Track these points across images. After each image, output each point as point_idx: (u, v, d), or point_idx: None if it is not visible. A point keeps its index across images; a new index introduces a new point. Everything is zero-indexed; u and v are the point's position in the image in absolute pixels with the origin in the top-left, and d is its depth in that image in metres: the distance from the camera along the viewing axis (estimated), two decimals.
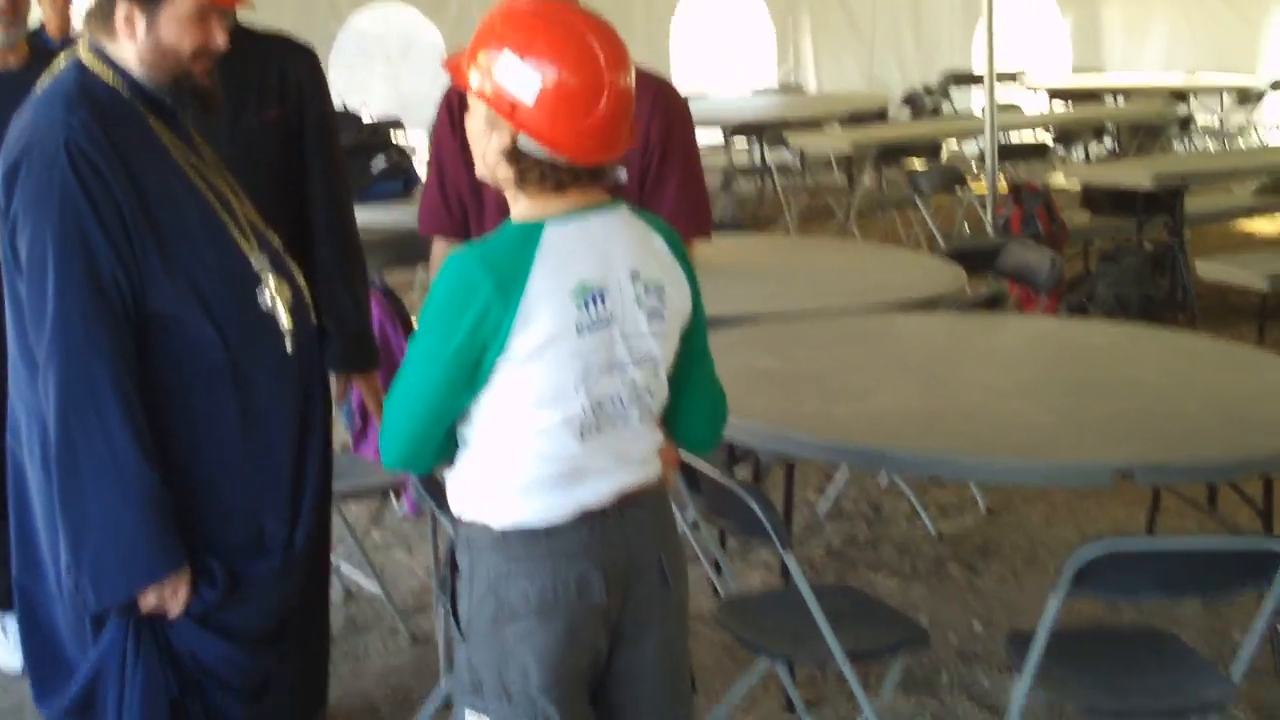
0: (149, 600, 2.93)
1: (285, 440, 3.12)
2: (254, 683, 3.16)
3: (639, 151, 3.45)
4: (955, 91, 14.66)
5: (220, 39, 3.05)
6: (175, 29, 3.00)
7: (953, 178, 9.86)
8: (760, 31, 15.06)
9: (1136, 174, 8.95)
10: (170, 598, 2.95)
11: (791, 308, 5.31)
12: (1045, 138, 11.72)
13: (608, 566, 2.73)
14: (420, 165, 7.66)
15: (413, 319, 5.81)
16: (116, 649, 2.96)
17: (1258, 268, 7.93)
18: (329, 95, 4.13)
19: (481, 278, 2.58)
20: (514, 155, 2.63)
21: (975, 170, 11.53)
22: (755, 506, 3.53)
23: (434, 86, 3.47)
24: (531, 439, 2.66)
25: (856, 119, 11.91)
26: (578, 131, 2.60)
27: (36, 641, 3.16)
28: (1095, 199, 9.43)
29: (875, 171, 11.21)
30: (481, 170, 2.74)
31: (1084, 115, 12.61)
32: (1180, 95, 13.77)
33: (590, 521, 2.72)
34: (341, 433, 5.26)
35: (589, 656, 2.75)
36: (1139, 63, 15.95)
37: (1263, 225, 11.49)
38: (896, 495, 6.25)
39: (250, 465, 3.07)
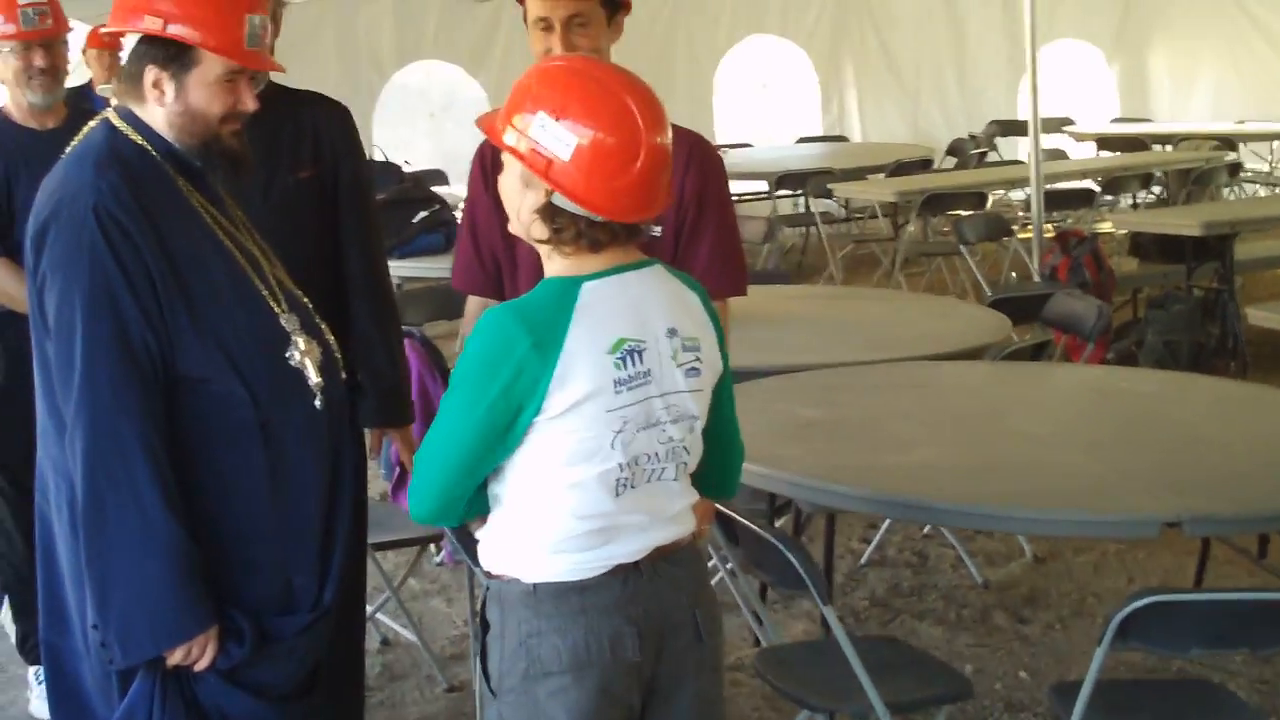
0: (176, 657, 2.90)
1: (314, 497, 3.09)
2: None
3: (673, 207, 3.44)
4: (1001, 140, 14.60)
5: (249, 101, 3.04)
6: (204, 93, 2.99)
7: (998, 226, 9.82)
8: (804, 81, 15.05)
9: (1185, 221, 8.87)
10: (198, 655, 2.91)
11: (835, 358, 5.28)
12: (1092, 185, 11.64)
13: (641, 622, 2.69)
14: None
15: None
16: (143, 704, 2.92)
17: None
18: (363, 152, 4.14)
19: (519, 336, 2.56)
20: (549, 213, 2.62)
21: (1021, 218, 11.46)
22: (794, 560, 3.49)
23: (476, 141, 3.46)
24: (565, 495, 2.63)
25: (901, 168, 11.87)
26: (613, 190, 2.58)
27: (64, 698, 3.13)
28: (1144, 246, 9.37)
29: (920, 220, 11.17)
30: (516, 227, 2.73)
31: (1131, 162, 12.53)
32: (1228, 143, 13.68)
33: (623, 577, 2.68)
34: (380, 483, 5.25)
35: (622, 713, 2.71)
36: (1186, 112, 15.84)
37: None
38: (942, 542, 6.20)
39: (279, 522, 3.04)
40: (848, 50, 14.88)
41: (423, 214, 7.73)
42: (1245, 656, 4.94)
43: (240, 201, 3.30)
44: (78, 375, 2.87)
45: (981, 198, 10.63)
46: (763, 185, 12.31)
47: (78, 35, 5.20)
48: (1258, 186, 14.13)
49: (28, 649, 4.88)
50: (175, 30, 2.94)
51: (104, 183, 2.93)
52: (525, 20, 3.54)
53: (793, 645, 4.75)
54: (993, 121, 14.73)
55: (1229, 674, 4.74)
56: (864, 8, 14.77)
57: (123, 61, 3.03)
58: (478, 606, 2.86)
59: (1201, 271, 9.00)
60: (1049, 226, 9.79)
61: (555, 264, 2.69)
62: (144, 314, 2.88)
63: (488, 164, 3.58)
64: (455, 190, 10.29)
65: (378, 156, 10.11)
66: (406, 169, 9.70)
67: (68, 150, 3.11)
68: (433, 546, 5.94)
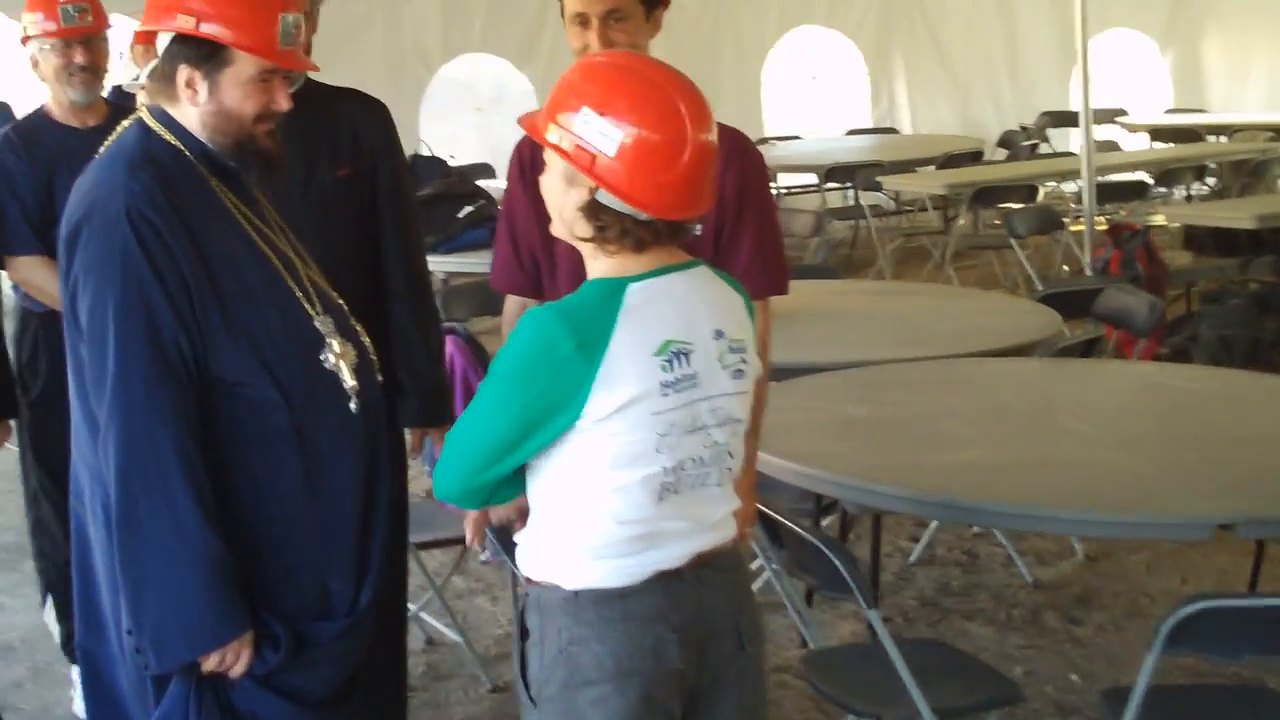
0: (211, 662, 2.88)
1: (350, 500, 3.05)
2: None
3: (714, 205, 3.39)
4: (1053, 132, 14.48)
5: (284, 100, 3.00)
6: (237, 92, 2.96)
7: (1049, 219, 9.72)
8: (853, 73, 14.97)
9: (1240, 213, 8.77)
10: (233, 660, 2.88)
11: (882, 355, 5.24)
12: (1145, 177, 11.52)
13: (683, 630, 2.66)
14: None
15: None
16: (179, 710, 2.89)
17: None
18: (402, 150, 4.12)
19: (562, 337, 2.52)
20: (593, 211, 2.58)
21: (1073, 211, 11.36)
22: (839, 563, 3.44)
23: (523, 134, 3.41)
24: (608, 500, 2.59)
25: (951, 161, 11.79)
26: (659, 186, 2.54)
27: (100, 703, 3.11)
28: (1197, 239, 9.27)
29: (971, 213, 11.08)
30: (559, 228, 2.69)
31: (1185, 154, 12.40)
32: None
33: (665, 583, 2.64)
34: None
35: None
36: (1241, 102, 15.70)
37: None
38: (992, 541, 6.13)
39: (314, 526, 3.00)
40: (897, 41, 14.77)
41: (468, 209, 7.71)
42: None
43: (278, 200, 3.27)
44: (111, 378, 2.84)
45: (1032, 190, 10.53)
46: (811, 178, 12.25)
47: (123, 32, 5.17)
48: None
49: (71, 649, 4.88)
50: (208, 29, 2.91)
51: (137, 184, 2.90)
52: (563, 15, 3.49)
53: (839, 648, 4.70)
54: (1044, 113, 14.62)
55: None
56: None
57: (156, 61, 2.99)
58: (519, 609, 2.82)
59: (1257, 265, 8.90)
60: (1101, 219, 9.69)
61: (599, 264, 2.65)
62: (177, 316, 2.85)
63: (526, 163, 3.54)
64: (502, 184, 10.25)
65: (423, 151, 10.10)
66: (452, 163, 9.67)
67: (101, 150, 3.08)
68: (477, 544, 5.91)
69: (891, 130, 14.53)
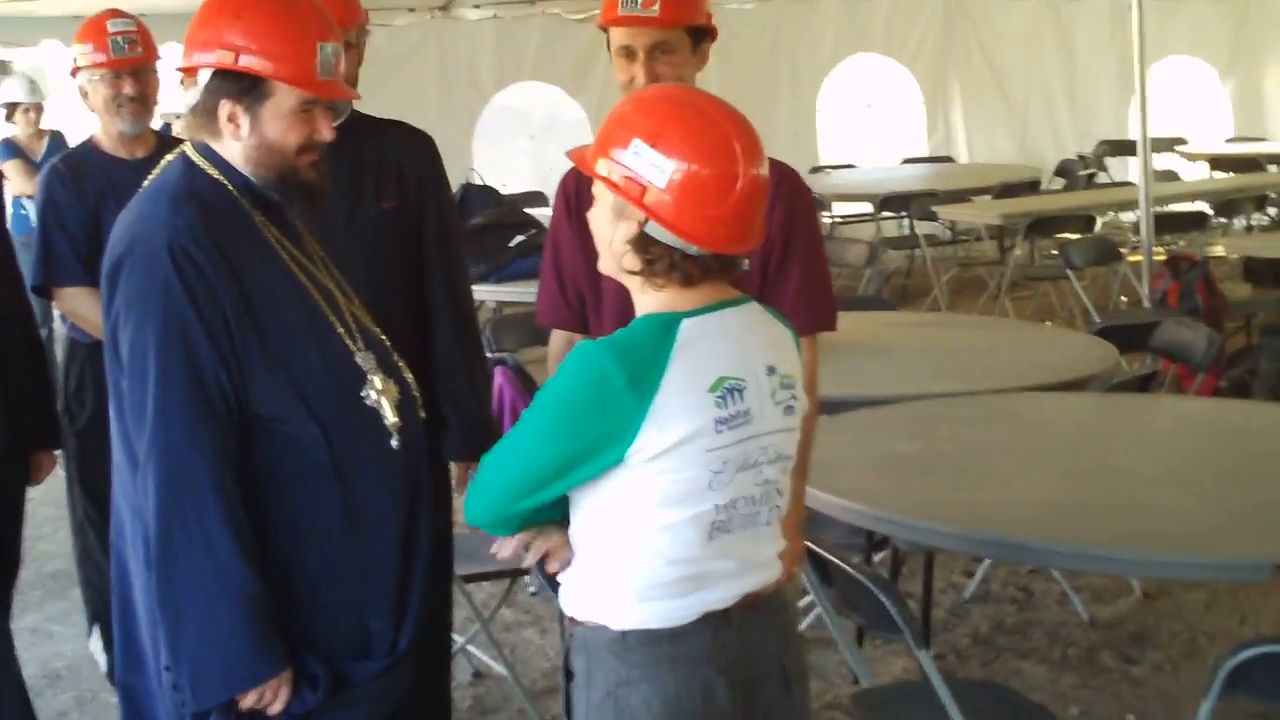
0: (248, 700, 2.85)
1: (390, 539, 3.02)
2: None
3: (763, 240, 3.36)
4: (1112, 160, 14.37)
5: (326, 132, 2.98)
6: (279, 125, 2.94)
7: (1106, 250, 9.62)
8: (909, 101, 14.90)
9: None
10: (270, 699, 2.85)
11: (933, 388, 5.19)
12: (1204, 208, 11.40)
13: (731, 672, 2.62)
14: None
15: None
16: None
17: None
18: (447, 182, 4.11)
19: (614, 373, 2.49)
20: (642, 244, 2.55)
21: (1131, 241, 11.25)
22: (888, 602, 3.39)
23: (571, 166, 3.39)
24: (656, 539, 2.56)
25: (1008, 190, 11.70)
26: (708, 219, 2.51)
27: None
28: (1257, 270, 9.15)
29: (1027, 243, 11.00)
30: (606, 263, 2.66)
31: (1245, 183, 12.26)
32: None
33: (713, 625, 2.61)
34: None
35: None
36: None
37: None
38: (1047, 577, 6.05)
39: (354, 564, 2.97)
40: (953, 69, 14.70)
41: (519, 238, 7.70)
42: None
43: (322, 233, 3.26)
44: (150, 413, 2.82)
45: (1089, 220, 10.44)
46: (866, 207, 12.19)
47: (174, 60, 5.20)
48: None
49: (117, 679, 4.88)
50: (247, 62, 2.89)
51: (179, 219, 2.88)
52: (609, 48, 3.47)
53: (889, 687, 4.64)
54: (1102, 141, 14.51)
55: None
56: (970, 25, 14.59)
57: (197, 96, 2.98)
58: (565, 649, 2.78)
59: None
60: (1159, 250, 9.58)
61: (647, 299, 2.62)
62: (218, 352, 2.84)
63: (571, 196, 3.52)
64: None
65: (475, 180, 10.10)
66: (503, 191, 9.68)
67: (145, 184, 3.07)
68: (526, 576, 5.88)
69: (947, 159, 14.46)
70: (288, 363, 2.91)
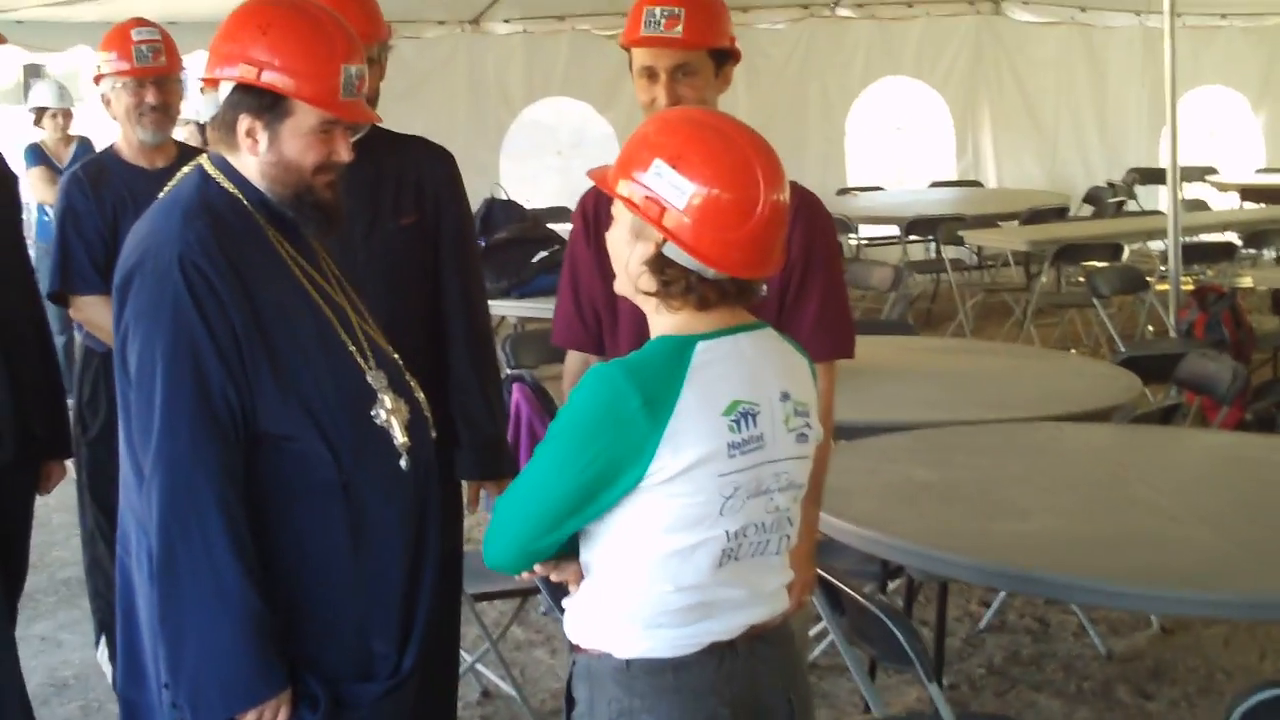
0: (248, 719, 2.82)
1: (397, 560, 2.99)
2: None
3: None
4: (1142, 189, 14.30)
5: (345, 152, 2.96)
6: (298, 143, 2.92)
7: (1133, 279, 9.56)
8: (939, 124, 14.85)
9: None
10: (270, 719, 2.82)
11: (953, 415, 5.15)
12: (1233, 238, 11.34)
13: (735, 704, 2.59)
14: None
15: None
16: None
17: None
18: (466, 199, 4.09)
19: (628, 393, 2.46)
20: (658, 264, 2.52)
21: (1159, 270, 11.20)
22: (900, 634, 3.35)
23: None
24: (664, 564, 2.52)
25: (1035, 216, 11.65)
26: (727, 242, 2.49)
27: None
28: None
29: (1054, 270, 10.94)
30: (622, 284, 2.64)
31: (1275, 214, 12.20)
32: None
33: (719, 655, 2.58)
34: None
35: None
36: None
37: None
38: (1064, 609, 5.99)
39: (359, 585, 2.94)
40: (984, 93, 14.64)
41: (542, 254, 7.67)
42: None
43: (340, 246, 3.23)
44: (157, 428, 2.80)
45: (1117, 249, 10.37)
46: (893, 230, 12.15)
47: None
48: None
49: None
50: (269, 79, 2.87)
51: (191, 233, 2.86)
52: (630, 69, 3.44)
53: (902, 717, 4.59)
54: (1132, 169, 14.44)
55: None
56: (1001, 50, 14.53)
57: (217, 109, 2.96)
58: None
59: None
60: (1187, 280, 9.53)
61: (662, 322, 2.60)
62: (226, 368, 2.81)
63: (590, 216, 3.50)
64: None
65: (500, 195, 10.10)
66: (529, 206, 9.66)
67: (160, 196, 3.05)
68: (538, 595, 5.85)
69: (976, 183, 14.41)
70: (297, 380, 2.88)
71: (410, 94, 11.17)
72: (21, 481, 4.26)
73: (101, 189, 4.74)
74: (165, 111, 4.81)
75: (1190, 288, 9.29)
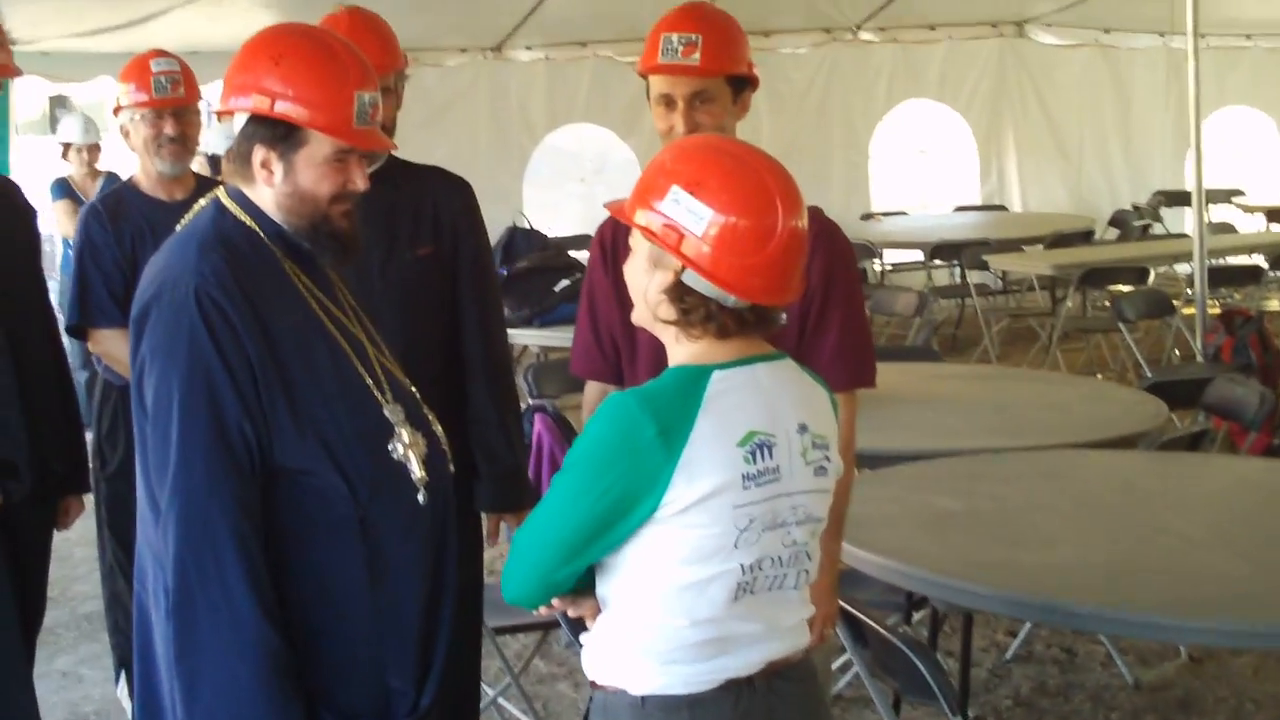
0: None
1: (415, 596, 2.96)
2: None
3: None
4: (1168, 211, 14.24)
5: (360, 181, 2.94)
6: (313, 173, 2.90)
7: (1159, 303, 9.51)
8: (963, 148, 14.80)
9: None
10: None
11: (978, 443, 5.12)
12: (1260, 261, 11.27)
13: None
14: None
15: None
16: None
17: None
18: (484, 230, 4.08)
19: (643, 422, 2.44)
20: (677, 292, 2.51)
21: (1185, 294, 11.14)
22: (923, 668, 3.31)
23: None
24: (679, 598, 2.50)
25: (1060, 240, 11.60)
26: (745, 268, 2.47)
27: None
28: None
29: (1079, 295, 10.88)
30: (641, 314, 2.62)
31: None
32: None
33: (736, 692, 2.55)
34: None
35: None
36: None
37: None
38: (1092, 638, 5.93)
39: (376, 621, 2.91)
40: (1008, 116, 14.59)
41: (564, 283, 7.66)
42: None
43: (356, 277, 3.21)
44: (173, 463, 2.78)
45: (1143, 273, 10.32)
46: (918, 255, 12.10)
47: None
48: None
49: None
50: (282, 109, 2.85)
51: (207, 266, 2.84)
52: (648, 97, 3.42)
53: None
54: (1158, 192, 14.39)
55: None
56: (1025, 73, 14.49)
57: (231, 141, 2.94)
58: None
59: None
60: (1214, 304, 9.47)
61: (681, 351, 2.58)
62: (242, 402, 2.79)
63: (608, 246, 3.48)
64: None
65: (522, 223, 10.11)
66: (552, 234, 9.67)
67: (177, 229, 3.03)
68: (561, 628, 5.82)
69: (1000, 207, 14.35)
70: (313, 414, 2.86)
71: (432, 122, 11.19)
72: (39, 517, 4.24)
73: (120, 221, 4.73)
74: (184, 143, 4.80)
75: (1217, 311, 9.23)
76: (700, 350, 2.55)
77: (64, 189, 9.42)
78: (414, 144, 3.66)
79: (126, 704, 5.05)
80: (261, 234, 2.94)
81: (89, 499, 4.59)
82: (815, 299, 3.33)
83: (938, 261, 11.84)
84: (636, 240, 2.57)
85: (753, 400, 2.52)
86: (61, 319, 4.80)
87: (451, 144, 10.77)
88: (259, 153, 2.90)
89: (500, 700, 5.19)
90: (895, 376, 5.83)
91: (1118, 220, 13.82)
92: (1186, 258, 9.74)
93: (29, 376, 4.11)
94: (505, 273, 8.03)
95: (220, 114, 2.96)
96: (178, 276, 2.86)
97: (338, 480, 2.86)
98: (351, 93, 2.88)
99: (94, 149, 9.51)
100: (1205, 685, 5.57)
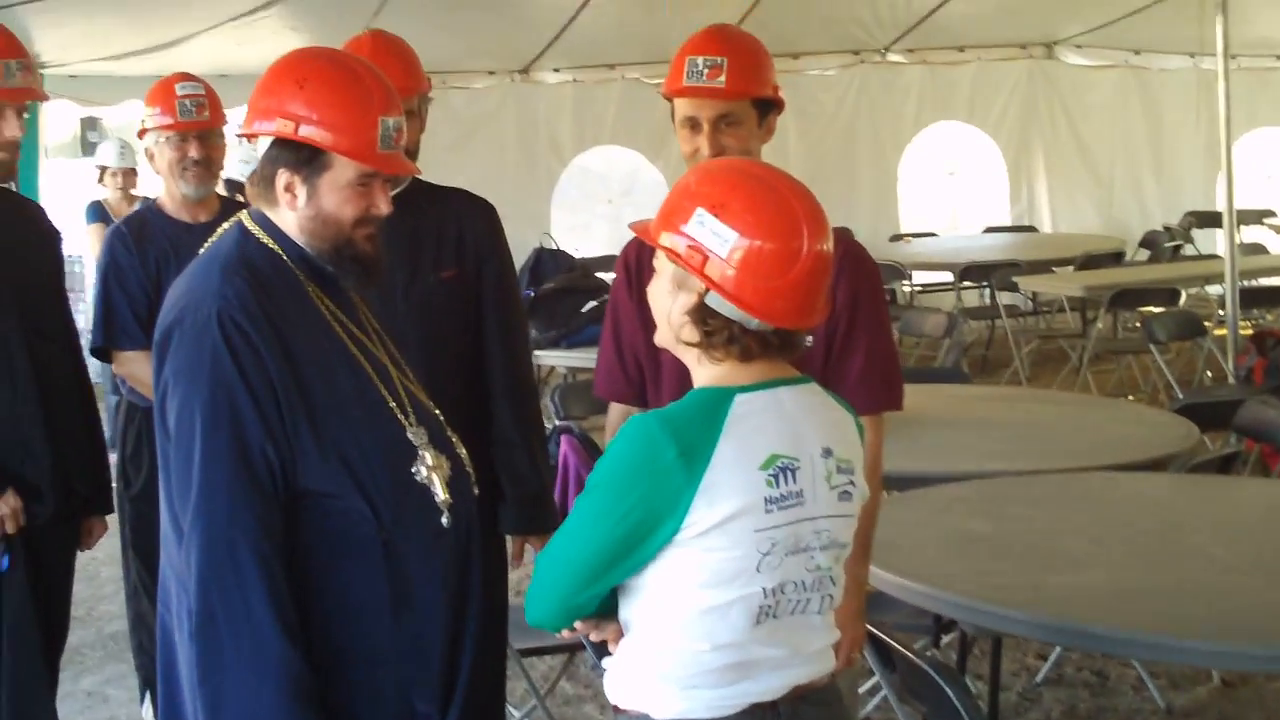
0: None
1: (439, 618, 2.95)
2: None
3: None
4: (1199, 232, 14.16)
5: (384, 205, 2.94)
6: (336, 197, 2.90)
7: (1191, 325, 9.44)
8: (992, 169, 14.75)
9: None
10: None
11: (1007, 465, 5.08)
12: None
13: None
14: None
15: None
16: None
17: None
18: (508, 252, 4.07)
19: (665, 444, 2.43)
20: (701, 314, 2.51)
21: (1217, 315, 11.08)
22: (951, 693, 3.26)
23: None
24: (700, 621, 2.48)
25: (1091, 261, 11.55)
26: (770, 290, 2.47)
27: None
28: None
29: (1110, 316, 10.83)
30: (664, 336, 2.62)
31: None
32: None
33: (759, 717, 2.53)
34: None
35: None
36: None
37: None
38: (1123, 662, 5.88)
39: (401, 644, 2.90)
40: (1038, 137, 14.53)
41: (592, 304, 7.66)
42: None
43: (380, 300, 3.21)
44: (195, 486, 2.78)
45: (1174, 293, 10.25)
46: (947, 276, 12.06)
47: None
48: None
49: None
50: (306, 133, 2.86)
51: (230, 289, 2.85)
52: (673, 119, 3.41)
53: None
54: (1189, 213, 14.30)
55: None
56: (1054, 93, 14.44)
57: (256, 164, 2.94)
58: None
59: None
60: (1245, 325, 9.41)
61: (705, 373, 2.57)
62: (265, 426, 2.79)
63: (632, 268, 3.47)
64: None
65: (549, 245, 10.11)
66: (579, 255, 9.66)
67: (200, 252, 3.03)
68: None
69: (1030, 228, 14.29)
70: (336, 437, 2.86)
71: (460, 144, 11.20)
72: (62, 538, 4.24)
73: (144, 243, 4.74)
74: (208, 166, 4.81)
75: (1249, 332, 9.18)
76: (723, 373, 2.54)
77: (99, 212, 9.46)
78: (442, 166, 3.66)
79: None
80: (285, 257, 2.94)
81: (113, 519, 4.60)
82: (841, 321, 3.31)
83: (967, 283, 11.79)
84: (661, 262, 2.57)
85: (775, 424, 2.50)
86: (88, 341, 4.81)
87: (479, 166, 10.77)
88: (283, 176, 2.91)
89: None
90: (924, 398, 5.80)
91: (1148, 241, 13.75)
92: (1218, 279, 9.70)
93: (53, 398, 4.12)
94: (532, 294, 8.04)
95: (243, 136, 2.97)
96: (200, 299, 2.86)
97: (361, 503, 2.86)
98: (376, 117, 2.88)
99: (129, 173, 9.55)
100: (1238, 710, 5.52)
